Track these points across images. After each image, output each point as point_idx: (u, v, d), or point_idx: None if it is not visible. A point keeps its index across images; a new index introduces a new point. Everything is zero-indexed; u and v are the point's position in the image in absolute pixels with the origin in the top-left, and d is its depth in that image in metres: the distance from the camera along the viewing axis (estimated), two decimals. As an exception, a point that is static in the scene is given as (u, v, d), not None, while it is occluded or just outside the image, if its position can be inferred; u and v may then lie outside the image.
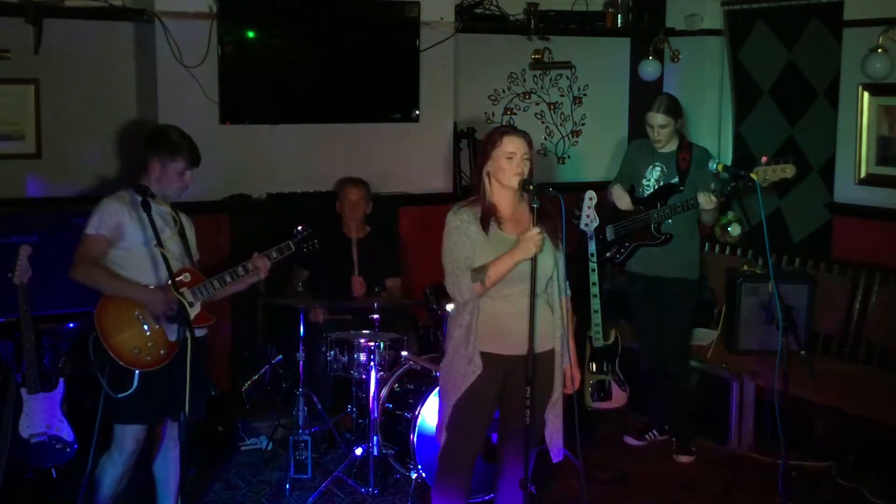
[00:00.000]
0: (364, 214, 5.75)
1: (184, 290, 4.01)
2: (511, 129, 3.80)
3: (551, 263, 3.78)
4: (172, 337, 4.00)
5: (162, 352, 4.02)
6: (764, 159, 4.81)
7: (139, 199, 3.96)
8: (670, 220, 5.20)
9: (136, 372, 3.99)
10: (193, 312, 4.04)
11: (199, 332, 4.08)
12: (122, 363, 3.98)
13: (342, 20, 6.16)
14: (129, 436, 4.08)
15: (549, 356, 3.84)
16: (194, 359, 3.86)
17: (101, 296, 4.04)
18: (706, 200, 4.95)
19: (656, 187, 5.27)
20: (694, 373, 5.57)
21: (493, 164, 3.73)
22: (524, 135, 3.76)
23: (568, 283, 3.91)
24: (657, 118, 5.20)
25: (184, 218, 4.22)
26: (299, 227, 4.45)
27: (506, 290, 3.72)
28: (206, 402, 4.33)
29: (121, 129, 5.99)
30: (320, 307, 5.45)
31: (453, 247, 3.74)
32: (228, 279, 4.16)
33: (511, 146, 3.70)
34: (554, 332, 3.84)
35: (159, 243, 3.87)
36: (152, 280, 4.05)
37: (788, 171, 4.75)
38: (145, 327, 4.02)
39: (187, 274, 4.07)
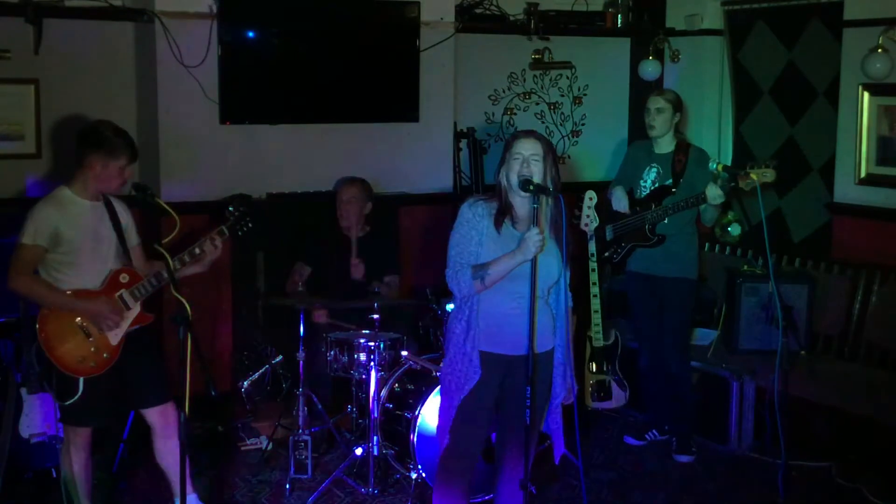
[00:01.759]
0: (361, 214, 5.73)
1: (123, 291, 4.03)
2: (524, 133, 3.81)
3: (556, 271, 3.78)
4: (115, 341, 4.05)
5: (105, 356, 4.04)
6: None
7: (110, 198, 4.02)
8: (666, 221, 5.21)
9: (81, 379, 4.01)
10: (133, 313, 4.07)
11: (135, 327, 4.12)
12: (66, 372, 4.00)
13: (342, 20, 6.16)
14: (79, 435, 4.12)
15: (549, 356, 3.85)
16: (144, 353, 4.03)
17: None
18: (715, 195, 4.93)
19: (653, 188, 5.28)
20: (694, 373, 5.57)
21: (506, 165, 3.76)
22: (538, 137, 3.76)
23: (570, 294, 3.91)
24: (656, 101, 5.23)
25: (119, 206, 4.18)
26: (230, 209, 4.34)
27: (506, 289, 3.72)
28: (162, 390, 4.26)
29: (121, 129, 5.98)
30: (321, 306, 5.45)
31: (461, 240, 3.75)
32: (165, 275, 4.06)
33: (518, 147, 3.73)
34: (553, 332, 3.85)
35: (160, 244, 3.88)
36: (95, 281, 4.04)
37: (769, 175, 4.75)
38: (88, 335, 4.02)
39: (125, 275, 4.05)
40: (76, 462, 4.14)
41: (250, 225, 4.36)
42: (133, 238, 4.22)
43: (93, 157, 4.03)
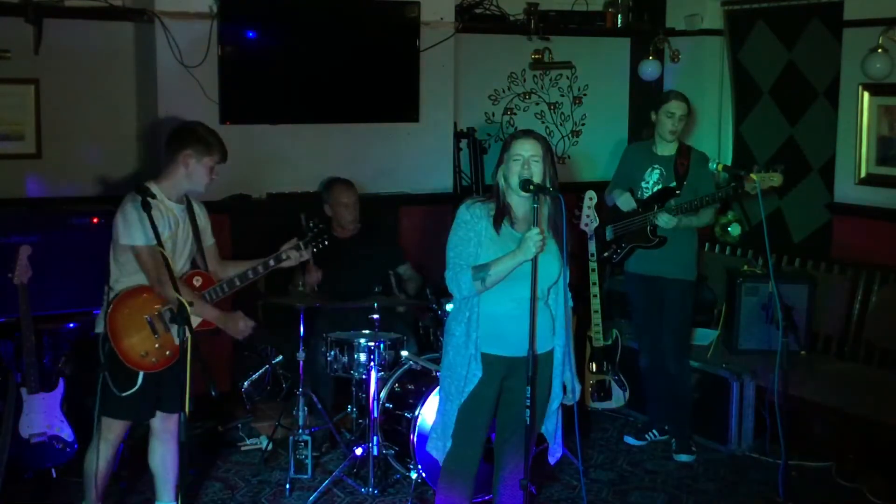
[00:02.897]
0: (357, 214, 5.73)
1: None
2: (523, 133, 3.81)
3: (556, 271, 3.78)
4: (178, 341, 4.04)
5: (168, 353, 4.09)
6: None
7: (140, 199, 3.96)
8: (667, 222, 5.21)
9: (141, 373, 4.06)
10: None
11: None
12: (129, 365, 4.04)
13: (342, 20, 6.16)
14: (116, 428, 4.16)
15: (548, 356, 3.85)
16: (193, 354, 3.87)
17: (115, 296, 4.06)
18: (665, 220, 5.02)
19: (655, 190, 5.27)
20: (694, 373, 5.57)
21: (505, 166, 3.76)
22: (537, 138, 3.76)
23: (570, 294, 3.91)
24: (680, 107, 5.18)
25: (198, 209, 4.25)
26: (310, 224, 4.45)
27: (506, 290, 3.72)
28: (182, 398, 4.30)
29: (121, 129, 5.99)
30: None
31: (459, 241, 3.75)
32: (238, 283, 4.22)
33: (518, 148, 3.73)
34: (553, 333, 3.85)
35: (159, 244, 3.86)
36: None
37: (776, 179, 4.77)
38: (155, 331, 4.07)
39: (199, 278, 4.11)
40: (101, 458, 4.16)
41: (327, 243, 4.50)
42: (208, 238, 4.28)
43: (187, 153, 4.08)
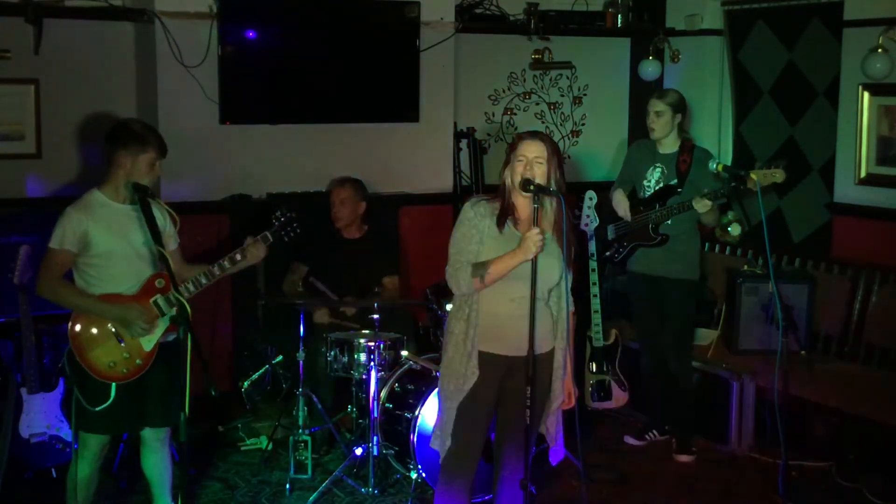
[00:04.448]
0: (355, 215, 5.72)
1: (157, 296, 3.97)
2: (530, 134, 3.81)
3: (557, 272, 3.78)
4: (148, 347, 3.99)
5: (138, 362, 3.98)
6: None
7: (133, 196, 3.91)
8: (669, 221, 5.21)
9: (113, 384, 3.96)
10: (168, 319, 3.99)
11: (171, 337, 3.98)
12: (98, 378, 3.95)
13: (342, 20, 6.16)
14: (94, 443, 4.06)
15: (548, 357, 3.85)
16: (175, 363, 3.70)
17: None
18: (700, 205, 4.97)
19: (657, 188, 5.27)
20: (694, 373, 5.56)
21: (510, 167, 3.76)
22: (543, 139, 3.76)
23: (572, 297, 3.91)
24: (655, 104, 5.23)
25: (157, 209, 4.05)
26: (277, 213, 4.34)
27: (506, 290, 3.72)
28: (173, 413, 4.02)
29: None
30: (321, 305, 5.45)
31: (461, 238, 3.76)
32: (204, 280, 4.06)
33: (522, 149, 3.73)
34: (553, 335, 3.85)
35: (159, 243, 3.83)
36: (129, 285, 3.97)
37: (778, 175, 4.76)
38: (120, 340, 3.96)
39: (161, 279, 3.97)
40: (81, 474, 4.08)
41: (298, 231, 4.33)
42: (171, 242, 4.11)
43: (122, 153, 3.96)
